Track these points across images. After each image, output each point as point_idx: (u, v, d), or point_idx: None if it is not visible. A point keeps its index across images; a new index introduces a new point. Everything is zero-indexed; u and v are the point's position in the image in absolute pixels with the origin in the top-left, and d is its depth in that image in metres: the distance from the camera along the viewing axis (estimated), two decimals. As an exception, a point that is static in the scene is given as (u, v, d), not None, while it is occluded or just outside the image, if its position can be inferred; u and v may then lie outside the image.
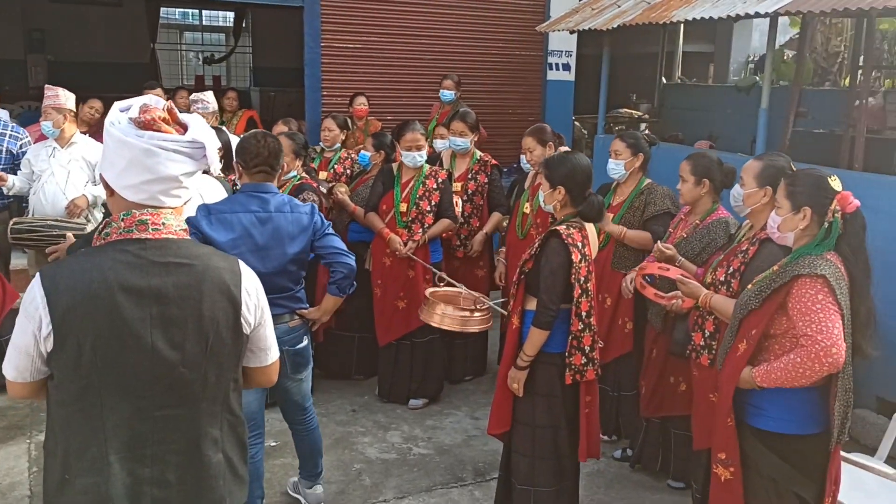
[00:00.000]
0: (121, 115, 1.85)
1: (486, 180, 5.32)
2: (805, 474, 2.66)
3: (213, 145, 1.92)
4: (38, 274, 1.81)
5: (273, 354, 2.11)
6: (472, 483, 4.15)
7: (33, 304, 1.77)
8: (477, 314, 4.07)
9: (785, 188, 2.75)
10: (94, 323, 1.76)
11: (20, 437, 4.49)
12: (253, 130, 3.50)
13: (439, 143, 5.86)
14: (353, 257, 3.51)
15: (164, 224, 1.86)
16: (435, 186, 4.85)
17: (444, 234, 5.05)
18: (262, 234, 3.26)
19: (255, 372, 2.10)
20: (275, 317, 3.22)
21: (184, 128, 1.89)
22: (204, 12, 16.70)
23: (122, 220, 1.85)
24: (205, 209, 3.21)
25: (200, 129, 1.90)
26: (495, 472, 4.19)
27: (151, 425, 1.84)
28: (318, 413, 4.57)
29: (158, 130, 1.83)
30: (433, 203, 4.85)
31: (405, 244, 4.78)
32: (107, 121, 1.85)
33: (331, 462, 4.26)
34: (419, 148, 4.81)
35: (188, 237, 1.93)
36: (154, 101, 1.88)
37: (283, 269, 3.34)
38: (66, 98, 5.28)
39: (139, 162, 1.81)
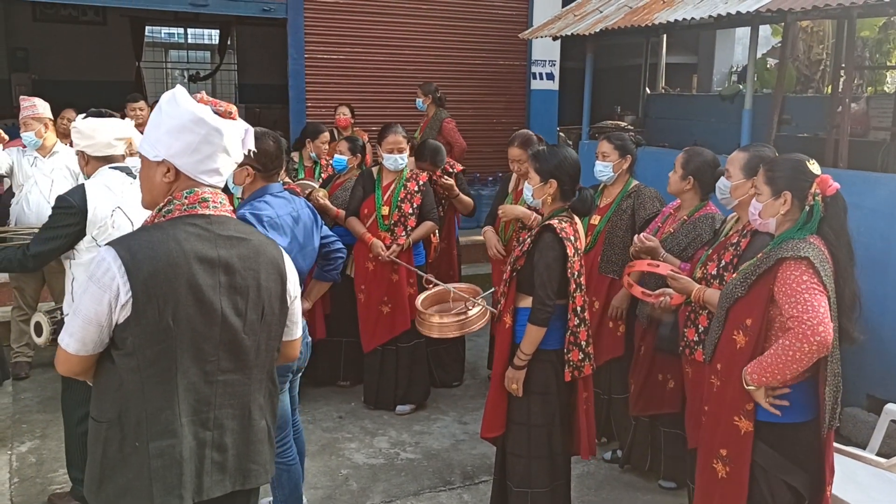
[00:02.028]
0: (202, 106, 1.99)
1: None
2: (796, 463, 2.62)
3: (251, 129, 2.15)
4: (107, 247, 1.89)
5: (300, 329, 2.28)
6: (460, 486, 4.09)
7: (108, 273, 1.85)
8: (472, 312, 4.00)
9: (764, 174, 2.73)
10: (174, 289, 1.88)
11: (1, 448, 4.40)
12: (257, 130, 3.27)
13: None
14: None
15: (221, 202, 2.04)
16: (416, 189, 4.83)
17: (428, 236, 5.02)
18: (299, 232, 3.25)
19: (284, 345, 2.23)
20: None
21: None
22: (189, 30, 16.71)
23: (186, 197, 1.99)
24: (252, 216, 3.03)
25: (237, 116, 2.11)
26: (484, 475, 4.16)
27: (214, 389, 1.96)
28: (305, 420, 4.53)
29: (235, 119, 2.04)
30: (415, 206, 4.82)
31: (388, 248, 4.75)
32: (194, 113, 1.95)
33: (317, 468, 4.20)
34: (401, 150, 4.78)
35: (235, 217, 2.09)
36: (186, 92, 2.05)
37: (314, 264, 3.43)
38: (44, 107, 5.25)
39: (225, 148, 2.00)
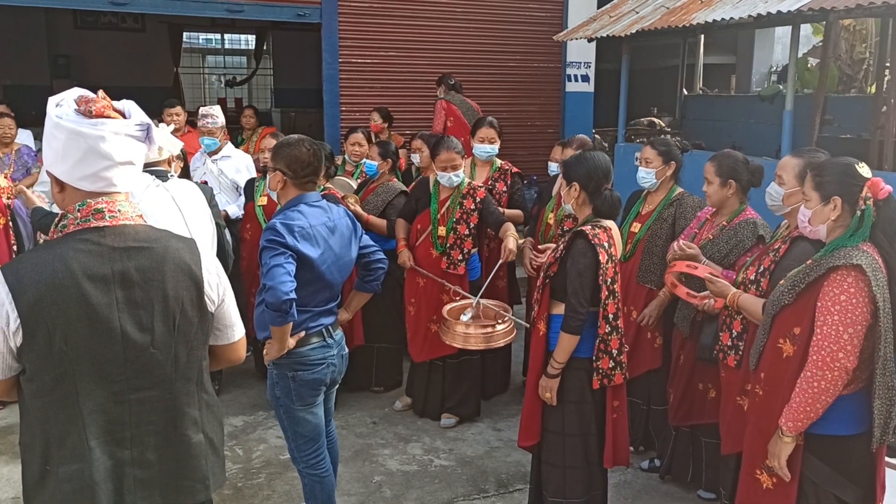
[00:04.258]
0: (63, 108, 1.86)
1: (504, 188, 5.21)
2: (847, 476, 2.54)
3: (154, 126, 1.98)
4: None
5: (239, 331, 2.15)
6: (494, 494, 4.04)
7: None
8: (499, 327, 3.94)
9: (812, 179, 2.64)
10: (63, 312, 1.79)
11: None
12: (293, 137, 3.22)
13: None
14: None
15: (119, 211, 1.90)
16: (473, 207, 4.64)
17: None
18: (335, 243, 3.14)
19: (224, 350, 2.14)
20: (332, 325, 3.24)
21: (121, 114, 1.92)
22: (226, 36, 16.94)
23: (78, 210, 1.88)
24: (283, 226, 2.96)
25: (139, 112, 1.96)
26: (518, 483, 4.11)
27: (127, 408, 1.89)
28: (338, 425, 4.51)
29: (109, 117, 1.86)
30: (472, 226, 4.64)
31: (445, 272, 4.60)
32: (52, 117, 1.86)
33: (351, 474, 4.18)
34: (455, 168, 4.56)
35: (144, 222, 1.96)
36: (84, 91, 1.91)
37: (350, 275, 3.32)
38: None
39: (96, 150, 1.84)
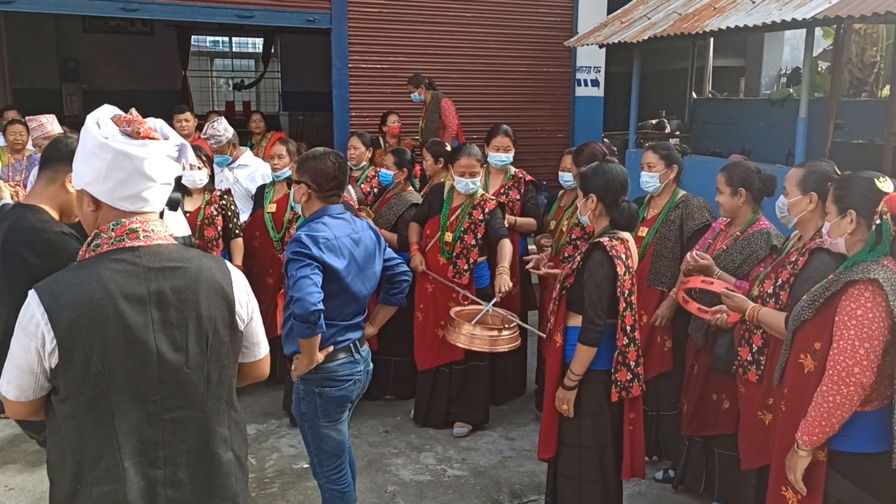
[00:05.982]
0: (108, 128, 1.85)
1: (517, 196, 5.19)
2: (871, 494, 2.51)
3: (188, 145, 1.99)
4: (32, 291, 1.80)
5: (264, 348, 2.16)
6: (508, 505, 4.03)
7: (33, 321, 1.77)
8: (505, 333, 3.93)
9: (832, 193, 2.67)
10: (101, 333, 1.78)
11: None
12: (318, 150, 3.20)
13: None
14: None
15: (153, 231, 1.90)
16: (481, 218, 4.63)
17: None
18: (359, 255, 3.14)
19: (249, 367, 2.15)
20: (359, 340, 3.21)
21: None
22: (234, 39, 16.94)
23: (112, 229, 1.87)
24: (309, 238, 2.97)
25: (172, 131, 1.96)
26: (532, 493, 4.10)
27: (161, 428, 1.89)
28: (351, 434, 4.48)
29: (154, 139, 1.87)
30: (478, 236, 4.63)
31: (451, 280, 4.61)
32: (96, 138, 1.84)
33: (364, 484, 4.16)
34: (473, 175, 4.58)
35: (175, 242, 1.95)
36: (116, 110, 1.91)
37: (375, 288, 3.30)
38: (52, 124, 5.36)
39: (141, 171, 1.85)
